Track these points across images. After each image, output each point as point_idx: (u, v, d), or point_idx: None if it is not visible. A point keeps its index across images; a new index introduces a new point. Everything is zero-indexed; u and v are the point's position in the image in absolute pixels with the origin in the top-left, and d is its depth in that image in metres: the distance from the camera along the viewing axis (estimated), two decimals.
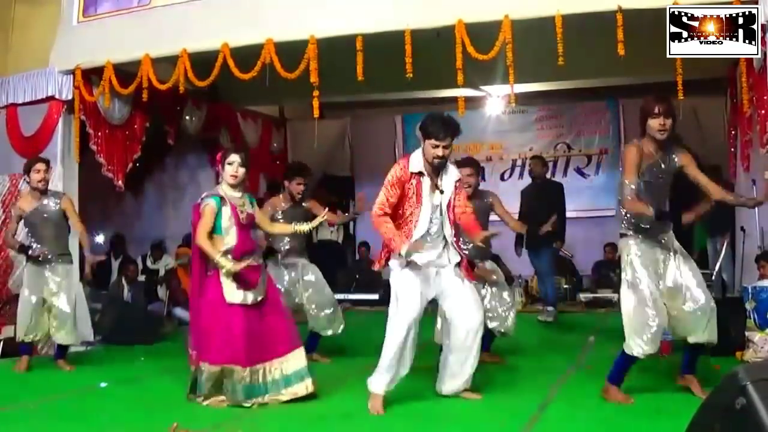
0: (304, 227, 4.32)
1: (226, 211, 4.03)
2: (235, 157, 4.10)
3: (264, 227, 4.41)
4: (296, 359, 4.04)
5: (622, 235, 3.78)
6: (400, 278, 3.77)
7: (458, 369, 3.85)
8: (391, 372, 3.71)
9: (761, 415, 1.84)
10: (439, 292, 3.83)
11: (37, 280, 5.15)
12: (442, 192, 3.76)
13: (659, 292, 3.66)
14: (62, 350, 5.29)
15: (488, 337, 4.89)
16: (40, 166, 5.13)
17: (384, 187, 3.73)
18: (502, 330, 4.80)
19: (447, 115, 3.79)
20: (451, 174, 3.84)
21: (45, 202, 5.15)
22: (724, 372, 2.75)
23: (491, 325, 4.71)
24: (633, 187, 3.60)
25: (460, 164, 4.81)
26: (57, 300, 5.12)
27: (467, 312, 3.80)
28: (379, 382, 3.74)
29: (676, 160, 3.76)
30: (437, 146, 3.65)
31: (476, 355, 3.84)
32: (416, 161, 3.73)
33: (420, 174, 3.72)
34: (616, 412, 3.58)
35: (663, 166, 3.73)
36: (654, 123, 3.68)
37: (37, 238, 5.16)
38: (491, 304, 4.76)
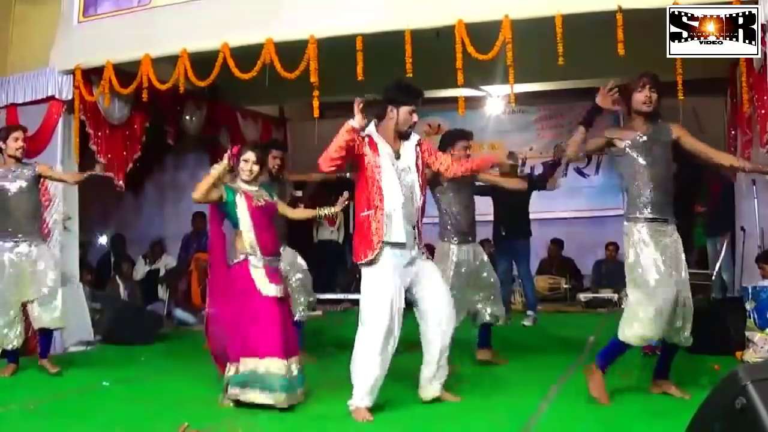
0: (329, 210, 4.30)
1: (242, 202, 4.01)
2: (250, 155, 4.10)
3: (286, 213, 4.38)
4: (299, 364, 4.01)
5: (628, 219, 3.76)
6: (369, 281, 3.62)
7: (434, 368, 3.75)
8: (368, 384, 3.59)
9: (761, 415, 1.84)
10: (411, 277, 3.70)
11: (3, 271, 4.80)
12: (398, 158, 3.70)
13: (668, 274, 3.60)
14: (45, 343, 5.00)
15: (486, 331, 4.90)
16: (19, 133, 4.90)
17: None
18: (498, 317, 4.82)
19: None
20: (412, 138, 3.78)
21: (19, 171, 4.89)
22: (724, 372, 2.75)
23: (487, 317, 4.75)
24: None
25: (455, 136, 4.81)
26: (32, 285, 4.85)
27: (439, 297, 3.73)
28: (360, 397, 3.60)
29: (670, 132, 3.77)
30: (413, 111, 3.65)
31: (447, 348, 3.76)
32: (369, 130, 3.71)
33: (373, 142, 3.68)
34: (616, 412, 3.58)
35: (655, 138, 3.74)
36: (639, 96, 3.74)
37: (4, 212, 4.84)
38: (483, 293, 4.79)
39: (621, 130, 3.89)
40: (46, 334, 5.03)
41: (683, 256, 3.73)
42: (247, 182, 4.11)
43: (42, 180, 5.10)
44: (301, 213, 4.58)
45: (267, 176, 5.04)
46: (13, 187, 4.90)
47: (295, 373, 3.92)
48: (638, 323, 3.56)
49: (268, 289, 3.95)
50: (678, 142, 3.77)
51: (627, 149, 3.76)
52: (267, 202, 4.11)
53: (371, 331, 3.58)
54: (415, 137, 3.81)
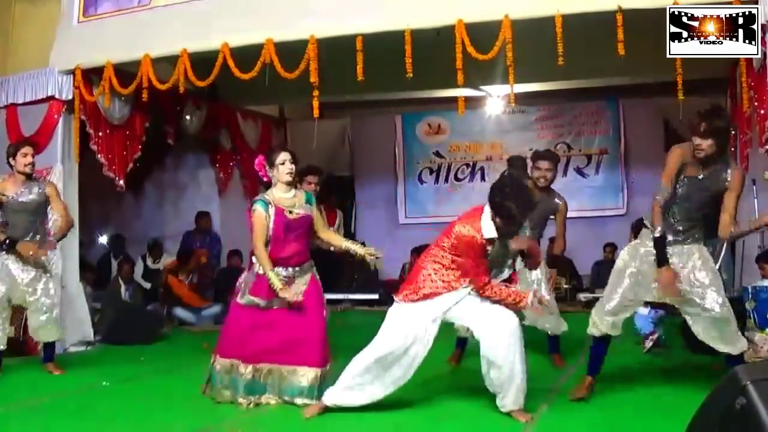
0: (357, 251, 4.17)
1: (271, 215, 3.98)
2: (285, 155, 4.07)
3: (317, 229, 4.21)
4: (304, 375, 3.95)
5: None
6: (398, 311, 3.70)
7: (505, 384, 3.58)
8: (348, 391, 3.66)
9: (761, 415, 1.84)
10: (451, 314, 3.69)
11: (7, 274, 4.86)
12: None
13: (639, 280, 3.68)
14: (49, 351, 5.07)
15: (553, 338, 4.88)
16: (28, 149, 4.93)
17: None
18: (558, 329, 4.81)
19: None
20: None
21: (29, 188, 4.94)
22: (724, 372, 2.75)
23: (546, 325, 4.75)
24: (662, 193, 3.58)
25: (538, 157, 4.82)
26: (32, 296, 4.90)
27: (495, 318, 3.59)
28: (332, 395, 3.70)
29: (727, 179, 3.60)
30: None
31: (520, 364, 3.56)
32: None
33: None
34: (616, 412, 3.59)
35: (704, 181, 3.63)
36: (694, 140, 3.57)
37: (13, 226, 4.88)
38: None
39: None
40: (49, 344, 5.07)
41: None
42: (288, 185, 4.07)
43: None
44: (329, 236, 4.36)
45: None
46: (24, 201, 4.94)
47: (278, 380, 3.98)
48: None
49: (243, 298, 4.07)
50: (725, 191, 3.61)
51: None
52: (300, 215, 4.04)
53: (373, 351, 3.67)
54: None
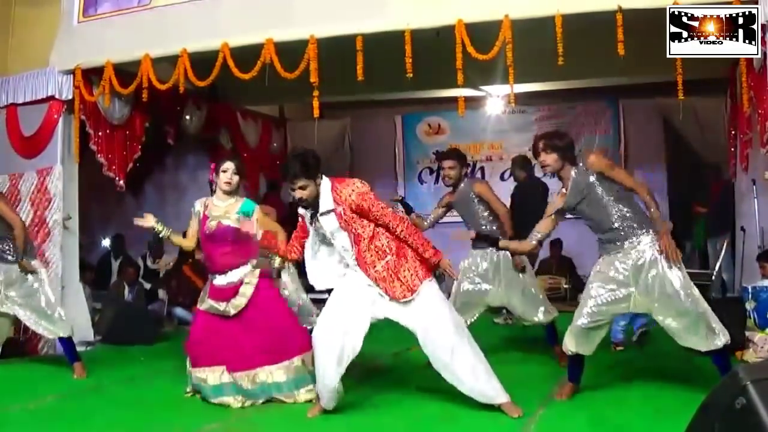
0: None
1: (199, 218, 4.16)
2: (229, 165, 4.15)
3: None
4: (274, 372, 4.00)
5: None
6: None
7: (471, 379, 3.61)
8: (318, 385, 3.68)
9: (761, 415, 1.84)
10: (390, 314, 3.64)
11: None
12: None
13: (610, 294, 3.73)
14: (67, 349, 4.95)
15: (550, 329, 4.89)
16: None
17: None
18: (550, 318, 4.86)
19: (301, 151, 3.66)
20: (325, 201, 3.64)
21: None
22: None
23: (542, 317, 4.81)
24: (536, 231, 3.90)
25: (441, 157, 4.95)
26: (26, 297, 4.88)
27: (429, 322, 3.58)
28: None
29: (588, 172, 3.74)
30: (293, 189, 3.61)
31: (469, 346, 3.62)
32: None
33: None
34: (616, 412, 3.59)
35: (580, 194, 3.77)
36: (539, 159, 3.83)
37: None
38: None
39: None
40: (65, 343, 4.99)
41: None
42: (226, 194, 4.15)
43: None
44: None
45: None
46: None
47: (247, 384, 4.00)
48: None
49: (201, 303, 4.16)
50: (602, 178, 3.74)
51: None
52: (223, 227, 4.08)
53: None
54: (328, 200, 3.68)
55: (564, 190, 3.84)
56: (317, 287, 3.76)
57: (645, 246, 3.67)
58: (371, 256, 3.59)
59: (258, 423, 3.69)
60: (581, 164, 3.78)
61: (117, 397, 4.33)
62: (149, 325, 6.73)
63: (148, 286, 8.15)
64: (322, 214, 3.62)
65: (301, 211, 3.76)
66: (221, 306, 4.07)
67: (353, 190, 3.60)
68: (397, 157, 10.07)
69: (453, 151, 5.10)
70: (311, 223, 3.69)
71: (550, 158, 3.77)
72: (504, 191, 6.79)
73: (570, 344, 3.79)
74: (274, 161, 9.37)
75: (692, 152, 8.40)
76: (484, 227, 4.79)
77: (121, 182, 6.53)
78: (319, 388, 3.67)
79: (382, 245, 3.61)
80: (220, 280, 4.10)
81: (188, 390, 4.23)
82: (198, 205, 4.21)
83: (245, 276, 4.09)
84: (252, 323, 4.05)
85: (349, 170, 10.22)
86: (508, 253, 4.67)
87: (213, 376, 4.02)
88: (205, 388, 4.04)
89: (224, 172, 4.13)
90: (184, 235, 4.29)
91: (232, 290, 4.07)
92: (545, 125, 9.59)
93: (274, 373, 3.98)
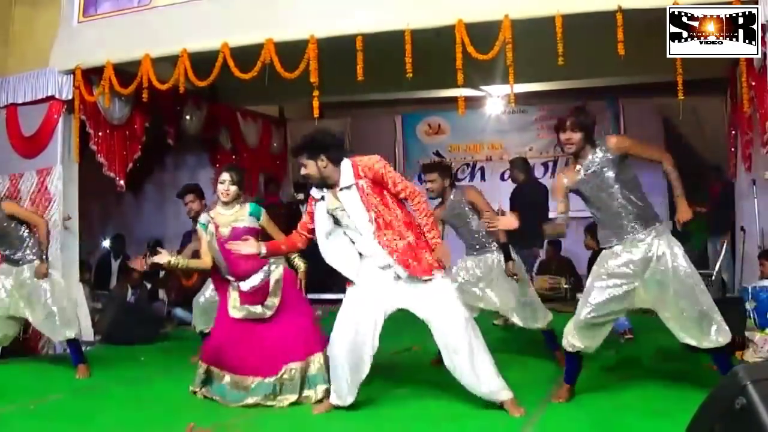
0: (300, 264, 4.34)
1: (209, 233, 4.12)
2: (225, 176, 4.14)
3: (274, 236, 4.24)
4: (296, 368, 4.01)
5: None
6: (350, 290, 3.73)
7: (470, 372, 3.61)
8: (333, 383, 3.73)
9: (761, 415, 1.84)
10: (404, 302, 3.65)
11: None
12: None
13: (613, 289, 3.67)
14: (73, 352, 4.97)
15: (549, 335, 4.88)
16: None
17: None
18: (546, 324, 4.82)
19: (314, 132, 3.74)
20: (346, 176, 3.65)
21: None
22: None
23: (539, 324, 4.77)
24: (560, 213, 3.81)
25: (423, 170, 4.95)
26: (29, 304, 4.88)
27: (444, 306, 3.60)
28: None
29: (607, 153, 3.76)
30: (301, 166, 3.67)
31: (481, 345, 3.62)
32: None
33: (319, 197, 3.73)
34: (616, 412, 3.58)
35: (592, 175, 3.74)
36: (561, 138, 3.77)
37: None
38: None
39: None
40: (72, 344, 4.99)
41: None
42: (224, 204, 4.15)
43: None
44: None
45: None
46: None
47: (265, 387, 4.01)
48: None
49: (232, 311, 4.12)
50: (625, 158, 3.81)
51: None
52: (237, 228, 4.08)
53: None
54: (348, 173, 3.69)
55: (573, 167, 3.80)
56: (330, 263, 3.74)
57: (652, 239, 3.63)
58: (392, 233, 3.62)
59: (258, 423, 3.69)
60: (602, 146, 3.76)
61: (117, 398, 4.32)
62: (149, 325, 6.73)
63: (148, 286, 8.15)
64: (341, 190, 3.64)
65: (313, 192, 3.75)
66: (257, 309, 4.07)
67: (374, 162, 3.68)
68: (397, 157, 10.05)
69: (436, 164, 5.10)
70: (322, 203, 3.69)
71: (576, 137, 3.73)
72: (504, 191, 6.81)
73: (573, 339, 3.74)
74: (274, 161, 9.38)
75: (692, 152, 8.40)
76: (477, 236, 4.77)
77: (121, 182, 6.54)
78: (335, 390, 3.73)
79: (401, 228, 3.64)
80: (247, 284, 4.08)
81: (195, 389, 4.19)
82: (204, 219, 4.18)
83: (271, 274, 4.11)
84: (279, 322, 4.07)
85: None
86: (501, 258, 4.67)
87: (240, 382, 4.03)
88: (228, 392, 4.04)
89: (221, 183, 4.13)
90: (193, 256, 4.29)
91: (263, 291, 4.08)
92: (545, 125, 9.61)
93: (293, 370, 3.98)
